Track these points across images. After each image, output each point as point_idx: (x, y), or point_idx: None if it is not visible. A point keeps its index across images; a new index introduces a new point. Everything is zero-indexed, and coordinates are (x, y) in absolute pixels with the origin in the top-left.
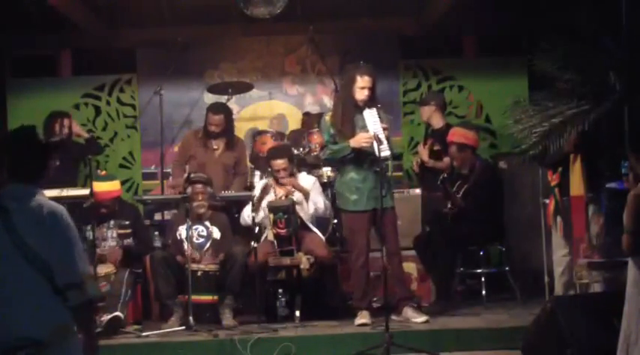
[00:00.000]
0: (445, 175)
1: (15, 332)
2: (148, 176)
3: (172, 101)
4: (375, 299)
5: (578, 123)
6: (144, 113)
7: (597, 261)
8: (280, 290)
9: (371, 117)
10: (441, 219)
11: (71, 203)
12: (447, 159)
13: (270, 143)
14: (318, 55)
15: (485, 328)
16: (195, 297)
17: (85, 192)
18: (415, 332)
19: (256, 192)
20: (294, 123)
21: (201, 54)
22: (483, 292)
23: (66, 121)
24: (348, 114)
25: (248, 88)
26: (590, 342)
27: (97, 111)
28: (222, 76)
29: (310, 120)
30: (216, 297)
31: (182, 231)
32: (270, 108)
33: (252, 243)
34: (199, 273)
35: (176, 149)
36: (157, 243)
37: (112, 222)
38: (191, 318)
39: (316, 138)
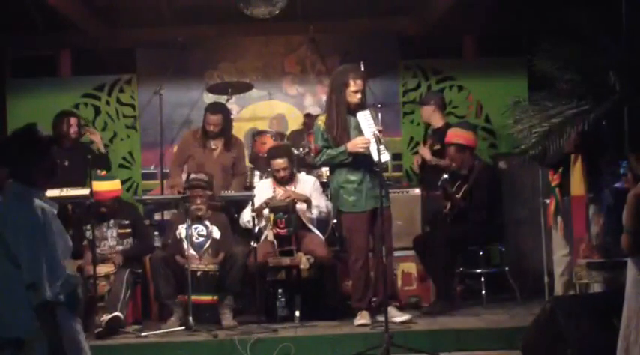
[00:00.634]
0: (446, 177)
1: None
2: (147, 176)
3: (172, 101)
4: (374, 299)
5: (578, 123)
6: (143, 113)
7: (597, 261)
8: (280, 291)
9: (365, 121)
10: (440, 219)
11: (71, 203)
12: (448, 159)
13: (269, 143)
14: (318, 55)
15: (486, 328)
16: (194, 297)
17: (85, 192)
18: (415, 332)
19: (257, 195)
20: (293, 123)
21: (201, 54)
22: (483, 292)
23: (72, 120)
24: (341, 118)
25: (248, 88)
26: (590, 342)
27: (97, 111)
28: (222, 76)
29: (311, 121)
30: (215, 297)
31: (182, 231)
32: (269, 108)
33: (252, 243)
34: (199, 273)
35: (175, 149)
36: (157, 243)
37: (111, 222)
38: (191, 318)
39: None
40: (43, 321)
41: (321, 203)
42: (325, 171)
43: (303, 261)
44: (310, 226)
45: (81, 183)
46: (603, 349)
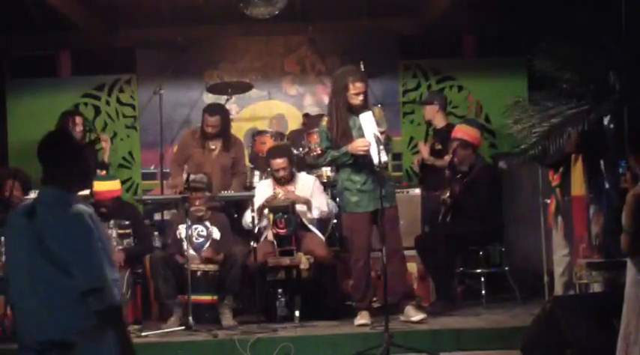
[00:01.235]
0: (447, 196)
1: (40, 335)
2: (147, 176)
3: (172, 101)
4: (375, 299)
5: (578, 123)
6: (143, 113)
7: (597, 261)
8: (280, 291)
9: (367, 122)
10: (440, 219)
11: None
12: (447, 157)
13: (269, 143)
14: (318, 55)
15: (485, 328)
16: (194, 297)
17: (85, 192)
18: (415, 332)
19: (257, 195)
20: (293, 123)
21: (201, 54)
22: (483, 292)
23: (78, 119)
24: (342, 119)
25: (247, 88)
26: (590, 342)
27: (97, 111)
28: (222, 76)
29: (310, 121)
30: (215, 297)
31: (182, 231)
32: (269, 108)
33: (252, 243)
34: (199, 273)
35: (175, 149)
36: (157, 243)
37: (112, 222)
38: (191, 318)
39: (316, 139)
40: (107, 325)
41: (322, 203)
42: (325, 171)
43: (303, 261)
44: (310, 226)
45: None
46: (603, 349)
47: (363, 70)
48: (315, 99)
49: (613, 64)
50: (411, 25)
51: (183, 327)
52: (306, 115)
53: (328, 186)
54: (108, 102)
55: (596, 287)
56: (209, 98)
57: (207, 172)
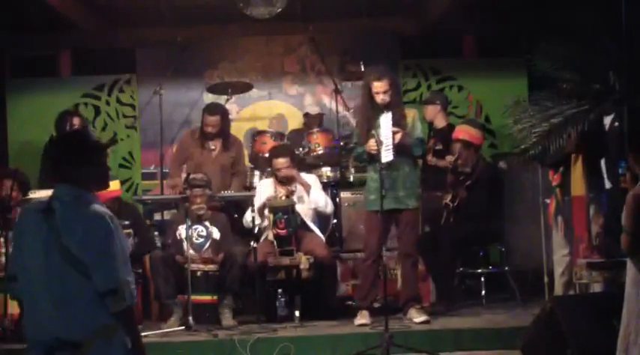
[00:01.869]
0: (449, 201)
1: (54, 332)
2: (147, 176)
3: (172, 101)
4: (377, 297)
5: (578, 123)
6: (143, 113)
7: (597, 261)
8: (280, 291)
9: (384, 122)
10: (440, 219)
11: None
12: (448, 158)
13: (269, 143)
14: (318, 55)
15: (486, 328)
16: (194, 297)
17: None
18: (415, 332)
19: (259, 194)
20: (293, 123)
21: (201, 54)
22: (483, 292)
23: (75, 120)
24: (367, 118)
25: (247, 88)
26: (590, 342)
27: (97, 111)
28: (222, 76)
29: (310, 121)
30: (215, 297)
31: (182, 231)
32: (269, 108)
33: (252, 243)
34: (199, 273)
35: (175, 149)
36: (157, 243)
37: None
38: (191, 318)
39: (316, 139)
40: (124, 325)
41: (319, 198)
42: (325, 171)
43: (303, 261)
44: (311, 225)
45: None
46: (603, 349)
47: (362, 69)
48: (315, 99)
49: (613, 64)
50: (411, 25)
51: (183, 327)
52: (306, 115)
53: (328, 186)
54: (108, 103)
55: (596, 287)
56: (209, 98)
57: (206, 173)
